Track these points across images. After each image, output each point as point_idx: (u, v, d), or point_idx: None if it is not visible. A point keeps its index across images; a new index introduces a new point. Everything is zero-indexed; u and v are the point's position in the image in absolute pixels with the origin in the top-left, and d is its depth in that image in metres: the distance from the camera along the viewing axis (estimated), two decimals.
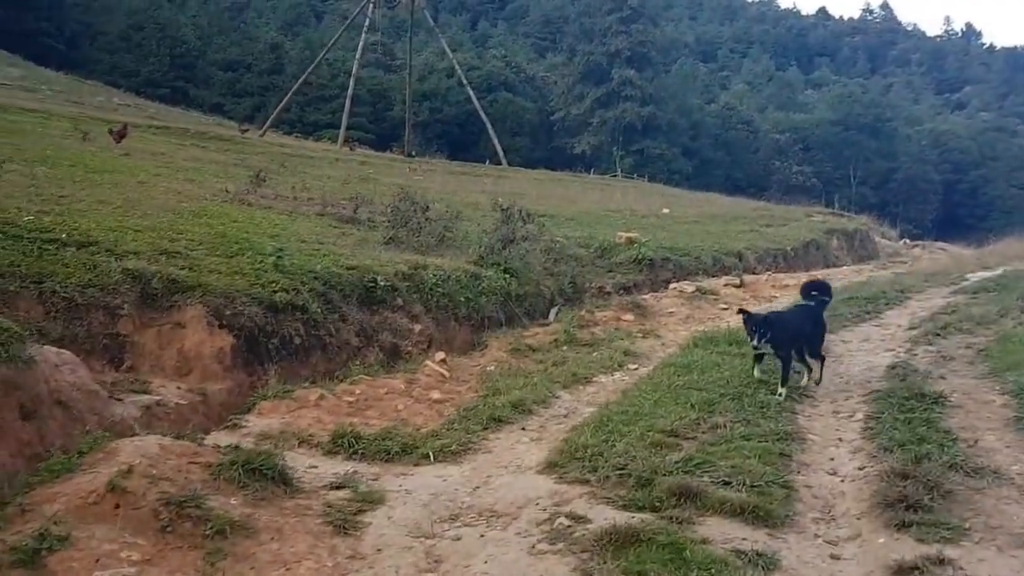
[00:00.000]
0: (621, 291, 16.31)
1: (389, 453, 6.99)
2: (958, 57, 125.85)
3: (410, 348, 10.78)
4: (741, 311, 9.34)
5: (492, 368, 10.29)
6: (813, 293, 9.50)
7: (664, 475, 6.17)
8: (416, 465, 6.83)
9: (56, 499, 4.95)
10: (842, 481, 6.61)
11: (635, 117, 76.07)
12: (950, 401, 8.25)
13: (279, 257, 9.65)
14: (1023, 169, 78.28)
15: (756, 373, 8.96)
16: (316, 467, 6.59)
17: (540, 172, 45.60)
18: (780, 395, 8.41)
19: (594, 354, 11.32)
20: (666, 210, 28.55)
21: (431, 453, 6.97)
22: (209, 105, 66.36)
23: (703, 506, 5.74)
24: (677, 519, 5.49)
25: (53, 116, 26.77)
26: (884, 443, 7.06)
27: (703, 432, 7.33)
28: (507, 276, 13.28)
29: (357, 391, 8.46)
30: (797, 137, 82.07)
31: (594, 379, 10.05)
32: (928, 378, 9.15)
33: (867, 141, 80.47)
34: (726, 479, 6.16)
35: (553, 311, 13.95)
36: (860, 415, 8.16)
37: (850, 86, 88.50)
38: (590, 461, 6.57)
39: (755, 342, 8.62)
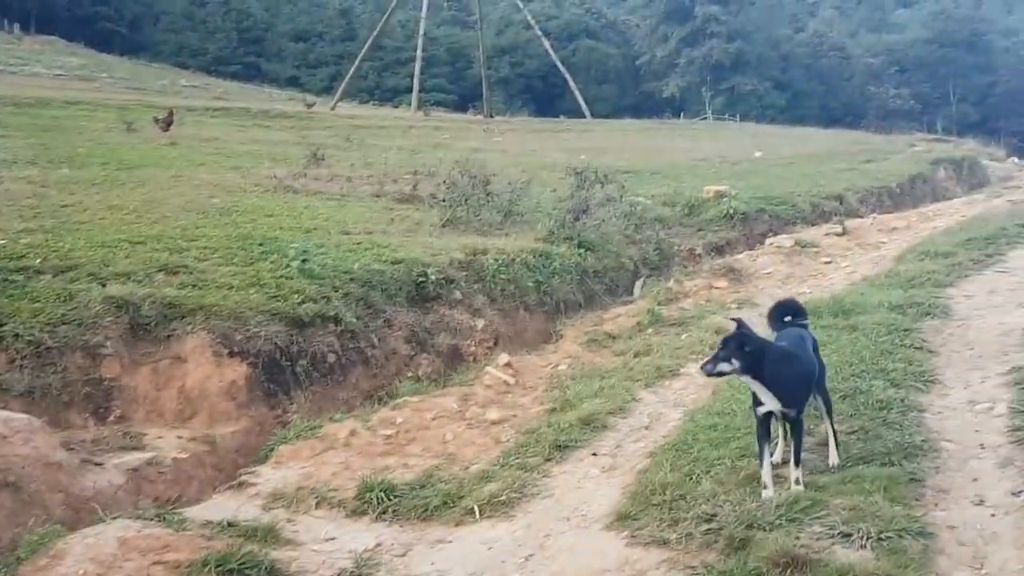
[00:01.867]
0: (713, 252, 14.64)
1: (427, 509, 5.69)
2: None
3: (473, 348, 9.47)
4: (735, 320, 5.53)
5: (564, 367, 8.89)
6: (786, 318, 5.86)
7: (763, 529, 4.71)
8: (458, 525, 5.51)
9: None
10: (993, 515, 4.97)
11: (723, 54, 73.08)
12: None
13: (304, 260, 8.37)
14: None
15: (764, 465, 5.27)
16: (334, 538, 5.35)
17: (625, 122, 43.55)
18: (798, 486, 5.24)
19: (683, 336, 9.80)
20: (758, 153, 26.43)
21: (477, 507, 5.64)
22: (284, 79, 65.71)
23: None
24: None
25: (100, 107, 26.14)
26: None
27: (807, 451, 5.80)
28: (582, 251, 11.80)
29: (399, 419, 7.17)
30: (891, 59, 78.61)
31: (682, 371, 8.54)
32: None
33: (964, 57, 76.51)
34: (845, 530, 4.66)
35: (638, 285, 12.44)
36: (1002, 406, 6.46)
37: (942, 2, 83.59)
38: (670, 509, 5.14)
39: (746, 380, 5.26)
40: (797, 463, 5.25)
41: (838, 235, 15.61)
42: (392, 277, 9.11)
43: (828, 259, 14.07)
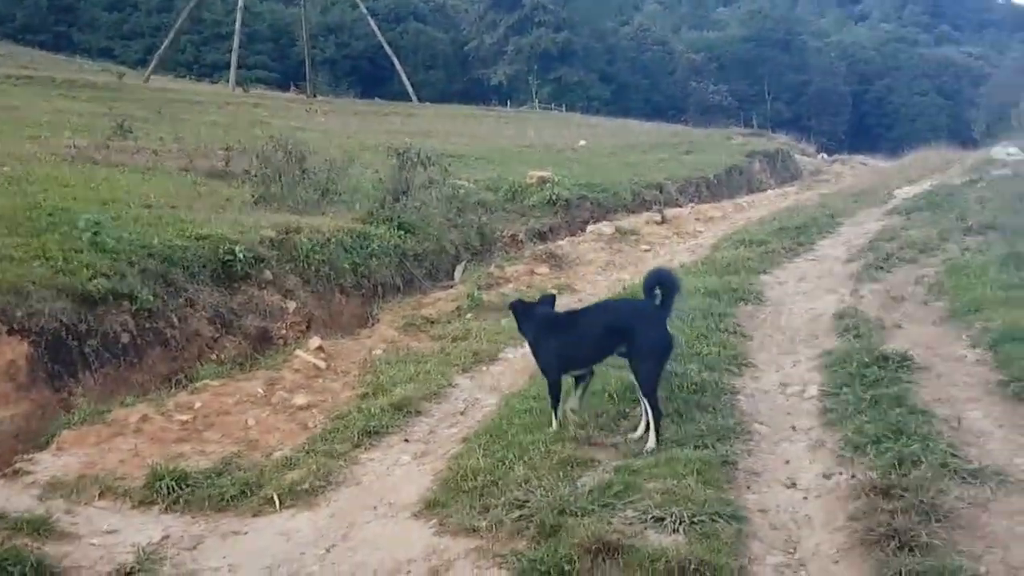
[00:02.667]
0: (535, 238, 14.68)
1: (223, 499, 5.33)
2: None
3: (283, 331, 9.04)
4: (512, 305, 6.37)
5: (380, 352, 8.61)
6: (656, 290, 5.83)
7: (575, 515, 4.63)
8: (255, 516, 5.18)
9: None
10: (805, 498, 5.07)
11: (550, 44, 73.60)
12: (915, 362, 6.81)
13: (96, 233, 7.71)
14: (924, 77, 79.37)
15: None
16: (116, 531, 4.91)
17: (452, 108, 43.30)
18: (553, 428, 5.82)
19: (502, 322, 9.73)
20: (583, 142, 26.90)
21: (277, 496, 5.31)
22: (97, 50, 61.46)
23: (629, 564, 4.23)
24: None
25: None
26: (851, 436, 5.60)
27: (625, 434, 5.82)
28: (402, 233, 11.52)
29: (197, 403, 6.71)
30: (712, 56, 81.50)
31: (500, 356, 8.48)
32: (882, 329, 7.82)
33: (779, 56, 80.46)
34: (658, 514, 4.63)
35: (459, 269, 12.30)
36: (814, 389, 6.67)
37: (759, 2, 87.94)
38: (481, 496, 5.00)
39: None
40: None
41: (658, 223, 16.02)
42: (196, 254, 8.56)
43: (648, 247, 14.41)
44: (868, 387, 6.33)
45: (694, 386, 6.44)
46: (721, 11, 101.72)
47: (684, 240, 15.25)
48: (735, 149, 28.62)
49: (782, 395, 6.66)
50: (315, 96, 43.81)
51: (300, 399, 7.05)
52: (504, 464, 5.36)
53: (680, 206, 18.53)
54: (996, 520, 4.57)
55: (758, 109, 70.17)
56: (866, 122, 79.49)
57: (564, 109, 56.27)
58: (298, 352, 8.19)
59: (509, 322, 9.63)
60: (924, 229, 11.85)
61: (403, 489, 5.41)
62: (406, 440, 6.32)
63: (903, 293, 8.93)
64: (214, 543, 4.87)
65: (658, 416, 5.60)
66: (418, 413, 6.79)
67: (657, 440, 5.55)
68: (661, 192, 19.18)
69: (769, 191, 23.52)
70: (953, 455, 5.14)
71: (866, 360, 6.76)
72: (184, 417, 6.48)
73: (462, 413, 6.86)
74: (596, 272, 12.76)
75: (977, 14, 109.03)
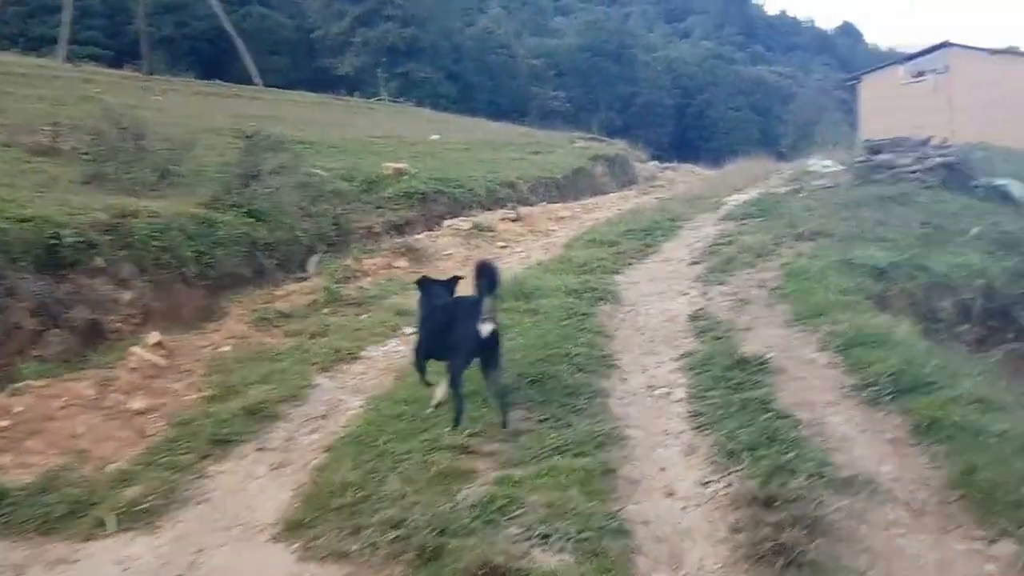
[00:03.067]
0: (392, 231, 14.10)
1: (48, 520, 4.61)
2: None
3: (118, 324, 8.16)
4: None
5: (228, 348, 7.91)
6: (479, 281, 5.74)
7: (457, 534, 4.22)
8: (87, 540, 4.49)
9: None
10: (685, 508, 4.87)
11: (397, 38, 72.65)
12: (772, 365, 6.85)
13: None
14: (739, 94, 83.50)
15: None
16: None
17: (299, 94, 41.59)
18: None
19: (363, 317, 9.22)
20: (435, 136, 26.33)
21: (112, 517, 4.63)
22: None
23: None
24: None
25: None
26: (723, 442, 5.49)
27: (502, 441, 5.45)
28: (252, 220, 10.71)
29: (18, 407, 5.89)
30: (551, 63, 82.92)
31: (362, 353, 7.95)
32: (735, 331, 7.89)
33: (612, 67, 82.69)
34: (544, 530, 4.31)
35: (313, 261, 11.60)
36: (681, 391, 6.61)
37: (595, 13, 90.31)
38: (351, 514, 4.53)
39: None
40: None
41: (512, 221, 15.79)
42: (17, 238, 7.59)
43: (504, 243, 14.14)
44: (733, 390, 6.33)
45: (567, 388, 6.25)
46: (559, 20, 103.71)
47: (538, 238, 15.10)
48: (579, 152, 28.81)
49: (651, 398, 6.54)
50: (151, 74, 41.31)
51: (137, 402, 6.31)
52: (376, 477, 4.90)
53: (531, 205, 18.37)
54: (875, 532, 4.55)
55: (593, 117, 71.78)
56: (688, 134, 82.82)
57: (413, 104, 55.61)
58: (135, 348, 7.39)
59: (369, 317, 9.16)
60: (758, 235, 12.13)
61: (260, 507, 4.85)
62: (261, 449, 5.74)
63: (748, 296, 9.09)
64: (38, 573, 4.16)
65: (460, 403, 5.60)
66: (274, 417, 6.20)
67: (456, 423, 5.54)
68: (514, 190, 18.91)
69: (611, 194, 23.84)
70: (824, 463, 5.09)
71: (727, 363, 6.82)
72: (2, 423, 5.64)
73: (323, 417, 6.32)
74: (455, 267, 12.36)
75: (786, 37, 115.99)
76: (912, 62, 36.48)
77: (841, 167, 18.89)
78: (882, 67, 38.71)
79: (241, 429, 5.86)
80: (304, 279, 10.83)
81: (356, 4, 74.61)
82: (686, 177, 30.75)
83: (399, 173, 15.82)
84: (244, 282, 10.14)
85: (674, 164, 38.99)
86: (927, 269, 10.11)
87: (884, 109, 35.51)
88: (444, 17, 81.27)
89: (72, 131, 13.18)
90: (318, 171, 14.47)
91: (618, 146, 34.87)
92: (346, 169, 15.69)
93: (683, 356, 7.32)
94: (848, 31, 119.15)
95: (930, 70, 34.91)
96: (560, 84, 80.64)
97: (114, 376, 6.74)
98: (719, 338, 7.66)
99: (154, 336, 7.63)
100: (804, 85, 70.55)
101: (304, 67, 72.92)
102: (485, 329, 5.52)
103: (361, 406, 6.42)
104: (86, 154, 10.89)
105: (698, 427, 5.86)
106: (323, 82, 63.53)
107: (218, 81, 41.19)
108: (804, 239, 11.54)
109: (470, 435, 5.44)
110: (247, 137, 12.53)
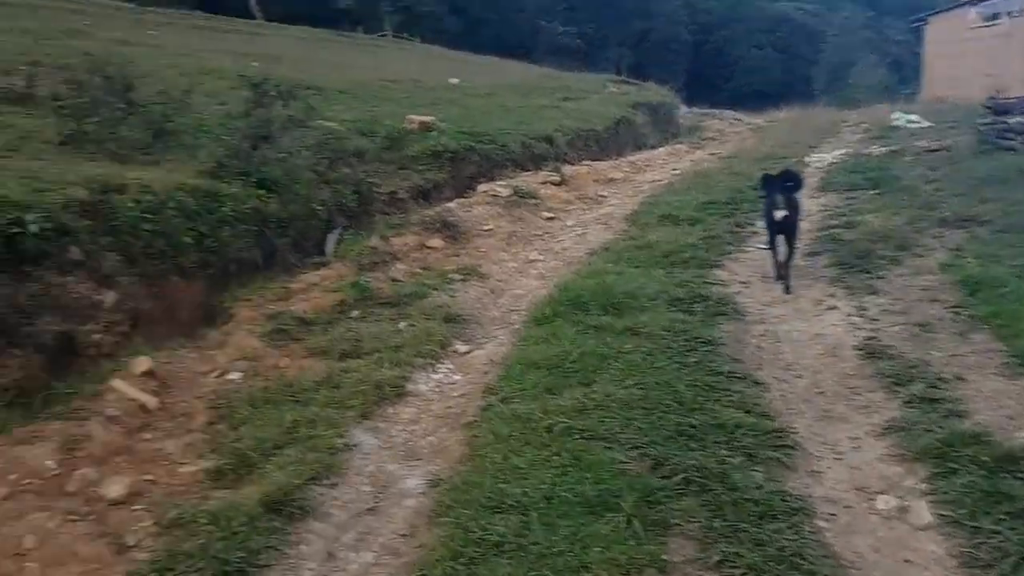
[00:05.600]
0: (419, 197, 12.21)
1: None
2: None
3: (97, 336, 6.38)
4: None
5: (236, 376, 6.11)
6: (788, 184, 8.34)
7: None
8: None
9: None
10: None
11: None
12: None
13: None
14: (761, 31, 79.78)
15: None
16: None
17: (301, 29, 39.21)
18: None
19: (401, 325, 7.37)
20: (454, 80, 24.15)
21: None
22: None
23: None
24: None
25: None
26: None
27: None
28: (262, 192, 8.87)
29: None
30: None
31: (408, 386, 6.17)
32: (943, 380, 5.63)
33: (625, 2, 79.67)
34: None
35: (331, 239, 9.78)
36: (921, 506, 4.36)
37: None
38: None
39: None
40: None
41: (555, 184, 13.88)
42: None
43: (551, 214, 12.29)
44: (1015, 515, 4.11)
45: (745, 499, 4.17)
46: None
47: (589, 207, 13.21)
48: (616, 99, 26.18)
49: (876, 516, 4.38)
50: (144, 5, 38.77)
51: (116, 485, 4.49)
52: None
53: (571, 163, 16.33)
54: None
55: (603, 54, 69.06)
56: (704, 72, 79.94)
57: (420, 40, 53.08)
58: (115, 382, 5.57)
59: (410, 326, 7.34)
60: (882, 215, 9.87)
61: None
62: None
63: (922, 316, 6.79)
64: None
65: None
66: (303, 513, 4.41)
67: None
68: (552, 145, 16.81)
69: (658, 149, 21.58)
70: None
71: (976, 454, 4.56)
72: None
73: (371, 512, 4.52)
74: (500, 247, 10.57)
75: None
76: (986, 2, 33.15)
77: (930, 124, 16.77)
78: (950, 8, 35.53)
79: (260, 542, 4.07)
80: (324, 264, 9.03)
81: None
82: (735, 127, 28.23)
83: (425, 127, 13.83)
84: (252, 270, 8.38)
85: (711, 110, 35.96)
86: None
87: (950, 54, 32.66)
88: None
89: (54, 72, 11.20)
90: (333, 125, 12.52)
91: (659, 91, 31.72)
92: (363, 122, 13.71)
93: (889, 430, 5.10)
94: None
95: (1005, 12, 31.81)
96: (570, 19, 77.96)
97: (84, 433, 4.89)
98: (933, 401, 5.34)
99: (143, 363, 5.83)
100: (831, 23, 67.00)
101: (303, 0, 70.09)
102: (778, 215, 7.84)
103: (422, 486, 4.66)
104: (64, 108, 8.90)
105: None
106: (323, 16, 60.75)
107: (219, 16, 38.73)
108: (950, 225, 9.32)
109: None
110: (254, 85, 10.52)
